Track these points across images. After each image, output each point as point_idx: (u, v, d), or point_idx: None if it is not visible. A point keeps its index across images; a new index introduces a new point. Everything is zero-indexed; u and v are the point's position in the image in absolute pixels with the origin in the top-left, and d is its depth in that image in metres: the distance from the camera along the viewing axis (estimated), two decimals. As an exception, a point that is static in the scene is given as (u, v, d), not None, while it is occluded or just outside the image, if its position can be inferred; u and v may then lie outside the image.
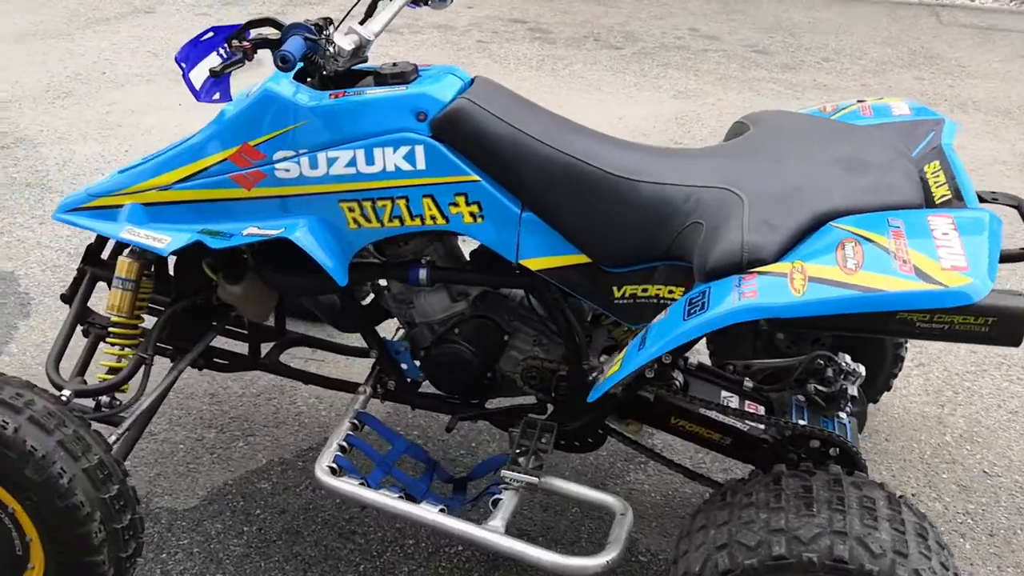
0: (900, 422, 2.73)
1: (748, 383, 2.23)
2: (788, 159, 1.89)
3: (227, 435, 2.60)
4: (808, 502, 1.64)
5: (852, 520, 1.60)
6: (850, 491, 1.67)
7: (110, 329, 2.20)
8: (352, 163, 1.95)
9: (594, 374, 2.04)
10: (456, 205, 1.95)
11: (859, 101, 2.26)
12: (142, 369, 2.13)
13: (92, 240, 2.33)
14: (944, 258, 1.52)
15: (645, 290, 1.94)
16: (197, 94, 1.98)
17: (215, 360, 2.42)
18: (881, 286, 1.49)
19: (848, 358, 2.10)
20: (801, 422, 2.07)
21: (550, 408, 2.17)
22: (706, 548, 1.67)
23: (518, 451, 2.03)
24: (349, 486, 1.96)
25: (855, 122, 2.13)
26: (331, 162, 1.95)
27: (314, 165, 1.96)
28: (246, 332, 2.44)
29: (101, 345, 2.23)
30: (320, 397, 2.77)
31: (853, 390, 2.10)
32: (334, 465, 2.02)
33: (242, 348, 2.42)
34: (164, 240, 2.04)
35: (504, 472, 1.95)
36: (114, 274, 2.16)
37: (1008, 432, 2.72)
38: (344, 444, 2.08)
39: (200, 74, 1.98)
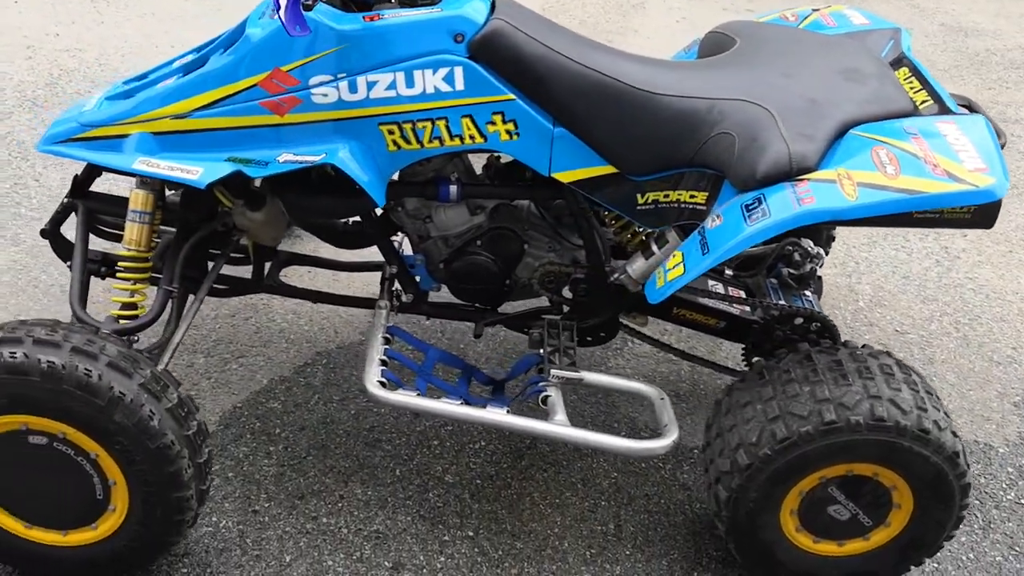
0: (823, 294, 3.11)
1: (728, 271, 2.50)
2: (793, 72, 2.09)
3: (217, 358, 2.59)
4: (842, 373, 1.92)
5: (881, 385, 1.89)
6: (870, 361, 1.96)
7: (121, 264, 2.13)
8: (392, 86, 1.97)
9: (615, 275, 2.21)
10: (493, 124, 2.02)
11: (815, 10, 2.49)
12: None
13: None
14: (965, 161, 1.80)
15: (667, 196, 2.11)
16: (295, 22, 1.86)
17: (215, 286, 2.38)
18: (923, 189, 1.75)
19: (811, 242, 2.38)
20: (782, 302, 2.36)
21: (564, 309, 2.34)
22: (758, 421, 1.92)
23: (550, 350, 2.19)
24: (408, 398, 2.05)
25: (823, 32, 2.36)
26: (371, 86, 1.96)
27: (353, 89, 1.97)
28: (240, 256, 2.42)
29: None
30: (297, 312, 2.79)
31: (818, 271, 2.40)
32: (383, 380, 2.10)
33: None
34: (195, 171, 1.99)
35: (554, 371, 2.11)
36: (128, 207, 2.09)
37: (906, 295, 3.16)
38: (384, 358, 2.16)
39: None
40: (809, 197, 1.78)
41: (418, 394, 2.07)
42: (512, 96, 2.00)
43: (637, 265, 2.18)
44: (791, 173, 1.84)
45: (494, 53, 1.97)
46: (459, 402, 2.06)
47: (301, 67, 1.95)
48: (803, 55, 2.15)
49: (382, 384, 2.08)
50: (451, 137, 2.02)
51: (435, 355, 2.26)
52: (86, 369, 1.71)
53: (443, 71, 1.97)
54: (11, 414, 1.74)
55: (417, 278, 2.34)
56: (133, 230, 2.09)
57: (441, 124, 2.01)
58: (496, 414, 2.03)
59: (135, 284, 2.14)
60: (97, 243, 2.34)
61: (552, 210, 2.30)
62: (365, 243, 2.41)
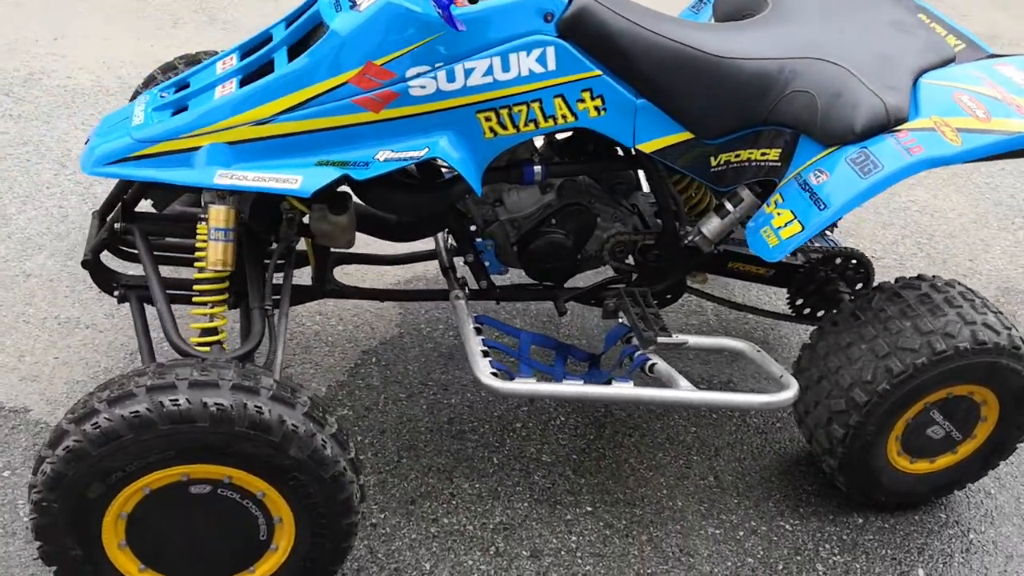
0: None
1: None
2: (847, 28, 2.19)
3: (263, 373, 2.45)
4: (934, 305, 2.07)
5: (970, 311, 2.06)
6: (950, 291, 2.12)
7: (197, 288, 1.97)
8: (489, 71, 1.91)
9: (690, 237, 2.26)
10: (583, 101, 2.01)
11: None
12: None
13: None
14: (1040, 99, 1.96)
15: (738, 156, 2.17)
16: (453, 22, 1.75)
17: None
18: (1018, 128, 1.90)
19: None
20: (819, 244, 2.50)
21: (632, 276, 2.37)
22: (868, 359, 2.04)
23: (639, 319, 2.22)
24: (529, 386, 2.03)
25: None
26: (468, 73, 1.90)
27: (451, 79, 1.90)
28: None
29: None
30: (324, 313, 2.66)
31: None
32: (495, 371, 2.07)
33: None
34: (293, 179, 1.86)
35: (660, 339, 2.14)
36: (210, 225, 1.92)
37: (868, 223, 3.40)
38: (484, 349, 2.12)
39: None
40: (917, 147, 1.90)
41: (537, 379, 2.06)
42: (599, 72, 1.99)
43: (712, 224, 2.24)
44: (888, 125, 1.95)
45: (583, 30, 1.95)
46: (580, 382, 2.06)
47: (397, 59, 1.86)
48: (847, 11, 2.25)
49: (495, 375, 2.06)
50: (545, 118, 2.00)
51: (528, 338, 2.25)
52: (255, 406, 1.59)
53: (536, 52, 1.93)
54: (174, 466, 1.60)
55: (487, 263, 2.31)
56: (217, 249, 1.93)
57: (535, 106, 1.98)
58: (624, 389, 2.04)
59: (213, 308, 1.99)
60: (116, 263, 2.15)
61: (607, 180, 2.32)
62: (420, 235, 2.34)
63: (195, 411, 1.56)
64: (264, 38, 2.10)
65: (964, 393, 2.10)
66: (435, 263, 2.62)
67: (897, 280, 2.18)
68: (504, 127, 1.98)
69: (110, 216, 2.10)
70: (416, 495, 2.17)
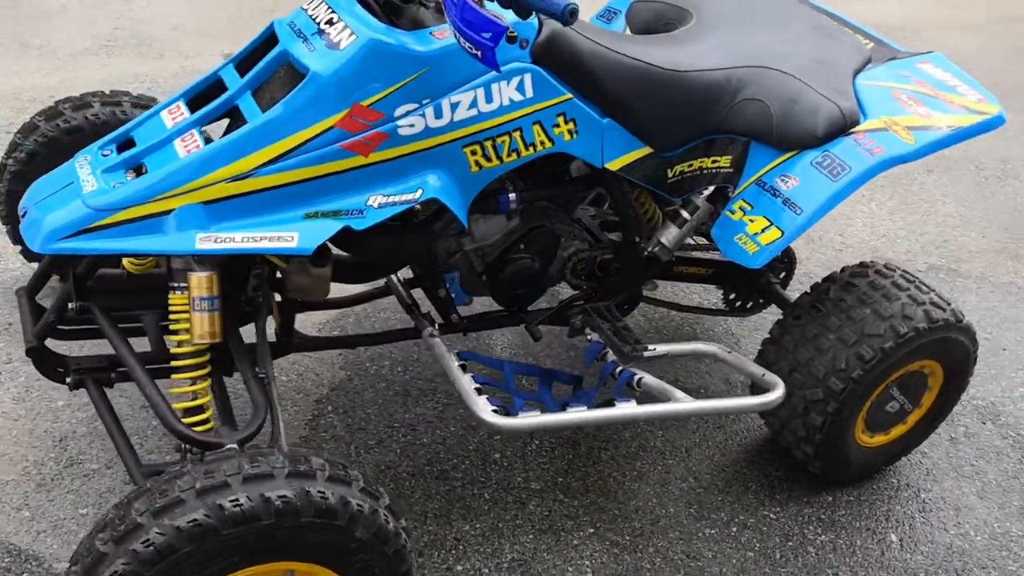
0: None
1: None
2: (777, 35, 2.28)
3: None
4: (885, 292, 2.22)
5: (917, 293, 2.22)
6: (893, 275, 2.28)
7: (178, 364, 1.79)
8: (473, 104, 1.86)
9: (650, 248, 2.30)
10: (558, 126, 1.99)
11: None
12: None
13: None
14: (965, 94, 2.15)
15: (691, 165, 2.23)
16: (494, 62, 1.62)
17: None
18: (958, 123, 2.07)
19: None
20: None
21: (591, 293, 2.38)
22: (836, 348, 2.16)
23: (613, 335, 2.24)
24: (535, 419, 1.99)
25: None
26: (454, 107, 1.83)
27: (439, 114, 1.82)
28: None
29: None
30: (279, 364, 2.48)
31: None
32: (495, 408, 2.01)
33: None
34: (289, 237, 1.72)
35: (649, 353, 2.16)
36: (193, 295, 1.74)
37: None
38: (477, 387, 2.06)
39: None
40: (877, 147, 2.02)
41: (542, 411, 2.02)
42: (570, 95, 1.98)
43: (671, 234, 2.28)
44: (846, 127, 2.07)
45: (555, 55, 1.93)
46: (584, 408, 2.05)
47: (384, 99, 1.77)
48: (773, 19, 2.35)
49: (496, 413, 2.00)
50: (526, 147, 1.96)
51: (511, 368, 2.20)
52: (318, 492, 1.46)
53: (515, 80, 1.89)
54: (236, 571, 1.44)
55: (452, 295, 2.24)
56: (203, 321, 1.75)
57: (517, 135, 1.94)
58: (627, 409, 2.05)
59: (196, 384, 1.81)
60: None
61: (561, 199, 2.31)
62: (381, 275, 2.23)
63: (258, 508, 1.41)
64: (210, 82, 1.92)
65: (917, 368, 2.27)
66: (381, 300, 2.50)
67: (843, 270, 2.32)
68: (488, 159, 1.92)
69: (59, 293, 1.84)
70: (421, 546, 2.08)
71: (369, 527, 1.52)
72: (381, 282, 2.35)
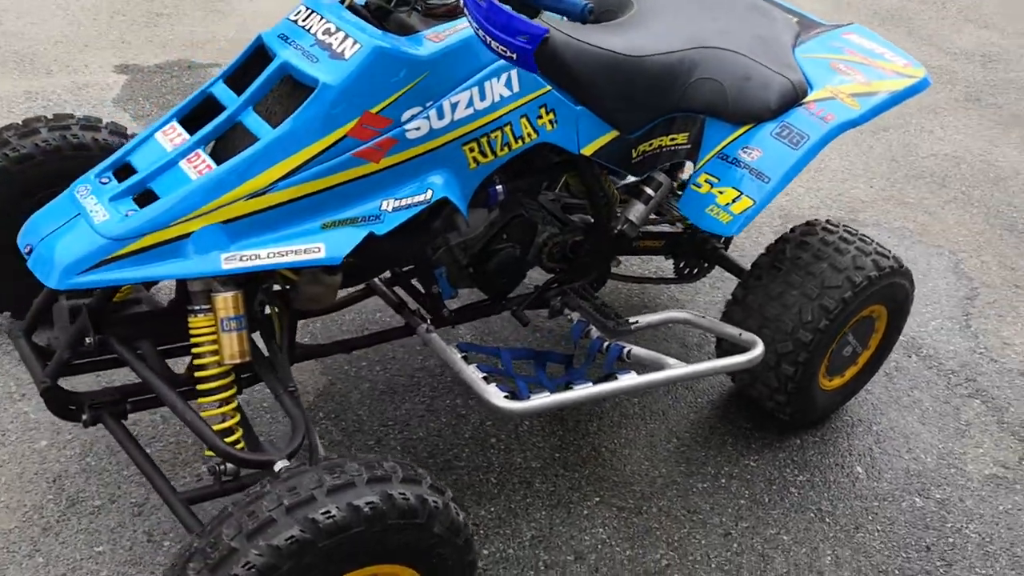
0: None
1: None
2: (719, 17, 2.42)
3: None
4: (836, 247, 2.41)
5: (862, 244, 2.43)
6: (837, 230, 2.47)
7: (203, 387, 1.77)
8: (470, 103, 1.91)
9: (618, 226, 2.41)
10: (541, 117, 2.07)
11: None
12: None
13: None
14: (893, 60, 2.35)
15: (651, 144, 2.35)
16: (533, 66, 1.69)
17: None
18: (893, 88, 2.27)
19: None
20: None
21: (564, 275, 2.47)
22: (801, 302, 2.33)
23: (595, 312, 2.34)
24: (545, 400, 2.07)
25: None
26: (454, 107, 1.89)
27: (441, 115, 1.87)
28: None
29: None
30: (241, 380, 2.45)
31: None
32: (505, 394, 2.08)
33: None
34: (316, 248, 1.73)
35: (635, 326, 2.27)
36: (219, 316, 1.72)
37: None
38: (484, 375, 2.12)
39: None
40: (829, 114, 2.20)
41: (549, 392, 2.10)
42: (548, 87, 2.05)
43: (637, 210, 2.40)
44: (798, 99, 2.23)
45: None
46: (589, 384, 2.14)
47: (391, 105, 1.80)
48: (710, 3, 2.49)
49: (507, 398, 2.07)
50: (515, 140, 2.03)
51: (508, 354, 2.27)
52: (400, 493, 1.51)
53: (504, 76, 1.96)
54: (329, 582, 1.47)
55: (440, 289, 2.28)
56: (232, 341, 1.74)
57: (507, 130, 2.00)
58: (630, 380, 2.15)
59: (223, 406, 1.80)
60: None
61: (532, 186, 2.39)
62: (370, 276, 2.25)
63: (349, 517, 1.44)
64: (201, 99, 1.89)
65: (867, 314, 2.48)
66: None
67: (793, 230, 2.50)
68: (484, 155, 1.98)
69: (71, 329, 1.78)
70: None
71: (444, 521, 1.57)
72: (362, 285, 2.37)
